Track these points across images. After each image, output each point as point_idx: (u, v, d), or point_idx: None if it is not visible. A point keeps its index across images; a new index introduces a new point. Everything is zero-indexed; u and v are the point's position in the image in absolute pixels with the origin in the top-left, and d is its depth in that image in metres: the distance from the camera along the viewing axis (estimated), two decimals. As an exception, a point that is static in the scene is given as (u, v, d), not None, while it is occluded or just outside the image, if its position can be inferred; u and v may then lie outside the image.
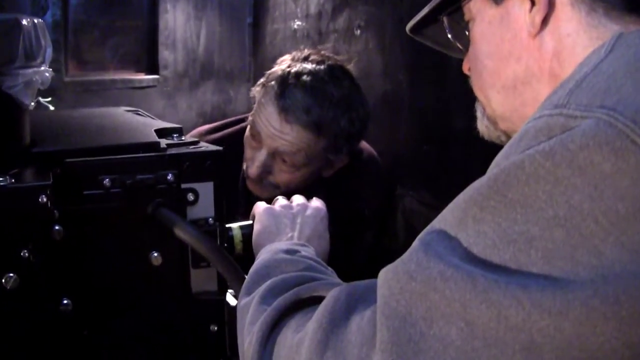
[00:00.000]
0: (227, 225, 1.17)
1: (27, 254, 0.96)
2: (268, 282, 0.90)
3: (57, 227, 1.00)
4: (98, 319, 1.07)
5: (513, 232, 0.57)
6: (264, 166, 1.69)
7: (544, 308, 0.53)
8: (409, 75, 2.30)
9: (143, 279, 1.09)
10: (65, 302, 1.03)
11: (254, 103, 1.74)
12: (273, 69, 1.73)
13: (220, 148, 1.12)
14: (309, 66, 1.68)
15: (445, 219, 0.64)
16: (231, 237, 1.16)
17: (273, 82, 1.67)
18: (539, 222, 0.56)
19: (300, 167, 1.69)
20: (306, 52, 1.75)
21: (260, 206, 1.18)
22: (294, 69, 1.67)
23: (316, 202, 1.21)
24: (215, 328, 1.14)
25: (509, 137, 0.93)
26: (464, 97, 2.11)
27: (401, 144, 2.28)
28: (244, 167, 1.76)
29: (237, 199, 1.80)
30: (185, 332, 1.13)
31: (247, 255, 1.13)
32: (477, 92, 0.97)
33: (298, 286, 0.85)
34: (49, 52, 1.05)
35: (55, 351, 1.03)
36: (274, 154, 1.68)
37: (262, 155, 1.68)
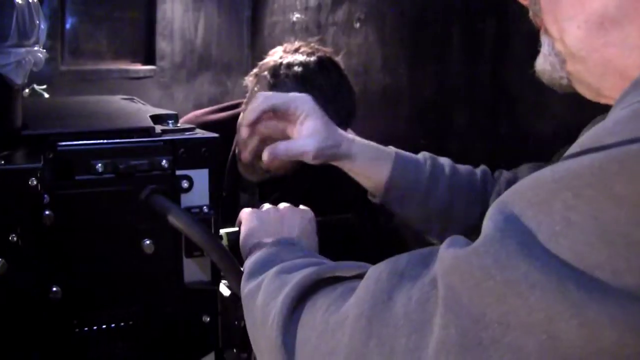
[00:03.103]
0: None
1: (15, 239, 0.93)
2: (275, 267, 0.86)
3: (47, 212, 0.98)
4: (88, 307, 1.05)
5: (612, 232, 0.49)
6: (257, 151, 1.72)
7: None
8: (408, 69, 2.28)
9: (135, 267, 1.07)
10: (54, 289, 1.01)
11: (247, 92, 1.84)
12: (265, 60, 1.83)
13: (216, 135, 1.10)
14: (299, 57, 1.77)
15: (524, 196, 0.55)
16: None
17: (266, 72, 1.77)
18: None
19: None
20: (297, 44, 1.84)
21: (246, 211, 1.17)
22: (285, 60, 1.76)
23: (303, 207, 1.19)
24: (208, 319, 1.12)
25: (570, 83, 0.83)
26: (464, 92, 2.10)
27: (399, 138, 2.26)
28: (235, 151, 1.85)
29: (222, 182, 1.87)
30: (177, 323, 1.11)
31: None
32: (549, 24, 0.81)
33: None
34: (44, 32, 1.03)
35: (43, 339, 1.00)
36: (265, 140, 1.71)
37: (254, 141, 1.71)
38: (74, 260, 1.03)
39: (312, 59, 1.77)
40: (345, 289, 0.72)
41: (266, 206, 1.19)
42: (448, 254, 0.57)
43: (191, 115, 2.06)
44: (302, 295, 0.75)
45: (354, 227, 1.99)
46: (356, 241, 1.96)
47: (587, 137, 0.56)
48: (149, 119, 1.14)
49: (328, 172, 1.93)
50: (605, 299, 0.48)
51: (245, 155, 1.77)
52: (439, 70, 2.18)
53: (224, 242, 1.15)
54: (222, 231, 1.17)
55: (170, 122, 1.16)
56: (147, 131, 1.08)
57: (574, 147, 0.57)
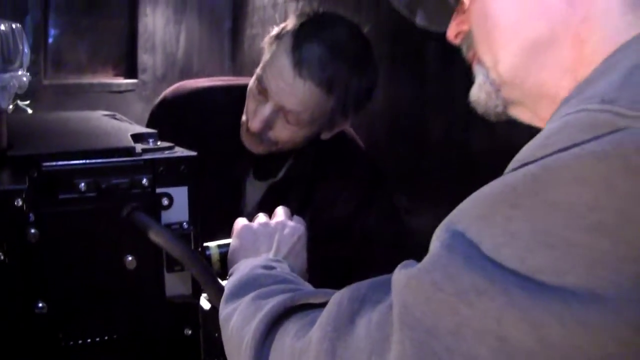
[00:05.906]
0: (205, 244, 1.18)
1: (1, 256, 0.96)
2: (252, 293, 0.88)
3: (32, 230, 1.00)
4: (73, 321, 1.08)
5: (551, 237, 0.51)
6: (267, 121, 1.64)
7: (586, 325, 0.49)
8: (385, 81, 2.32)
9: (118, 282, 1.09)
10: (40, 304, 1.03)
11: (263, 55, 1.70)
12: (284, 24, 1.68)
13: (195, 153, 1.13)
14: (327, 21, 1.67)
15: (466, 213, 0.58)
16: (209, 256, 1.16)
17: (290, 34, 1.62)
18: (582, 229, 0.50)
19: (304, 125, 1.66)
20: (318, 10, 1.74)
21: (239, 222, 1.19)
22: (311, 23, 1.64)
23: (295, 221, 1.20)
24: (190, 332, 1.15)
25: (505, 110, 0.86)
26: (440, 100, 2.14)
27: (375, 146, 2.29)
28: (244, 119, 1.71)
29: (229, 150, 1.77)
30: (160, 336, 1.14)
31: (225, 273, 1.13)
32: (483, 54, 0.83)
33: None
34: (27, 56, 1.06)
35: (30, 353, 1.03)
36: (278, 110, 1.64)
37: (267, 110, 1.63)
38: (59, 276, 1.05)
39: (341, 23, 1.68)
40: (315, 316, 0.74)
41: (260, 217, 1.21)
42: (400, 274, 0.60)
43: (179, 84, 1.94)
44: (275, 321, 0.78)
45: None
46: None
47: (522, 153, 0.59)
48: (130, 138, 1.17)
49: (337, 150, 1.82)
50: (549, 298, 0.50)
51: (255, 124, 1.64)
52: (415, 78, 2.21)
53: (216, 255, 1.16)
54: (213, 243, 1.18)
55: (150, 140, 1.18)
56: (128, 151, 1.11)
57: (511, 164, 0.60)
